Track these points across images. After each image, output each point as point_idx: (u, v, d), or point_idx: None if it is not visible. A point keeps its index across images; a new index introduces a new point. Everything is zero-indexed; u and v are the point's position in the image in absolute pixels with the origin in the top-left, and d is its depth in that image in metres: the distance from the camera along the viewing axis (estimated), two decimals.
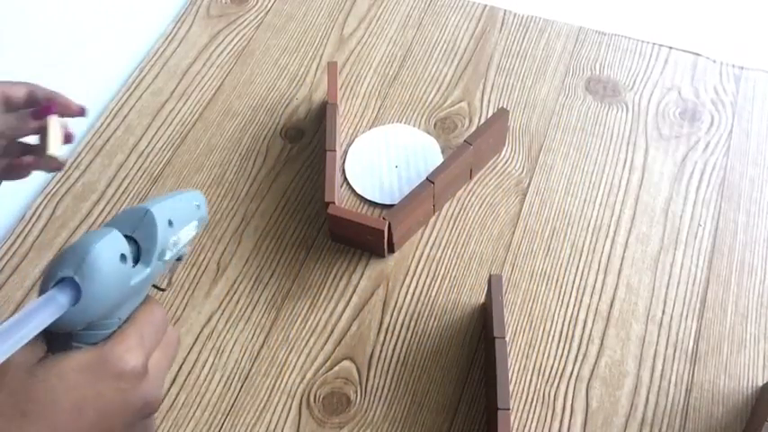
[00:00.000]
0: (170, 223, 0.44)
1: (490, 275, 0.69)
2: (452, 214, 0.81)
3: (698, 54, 0.92)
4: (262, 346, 0.72)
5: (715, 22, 0.98)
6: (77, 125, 0.88)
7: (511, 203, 0.81)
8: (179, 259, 0.46)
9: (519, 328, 0.73)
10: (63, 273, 0.39)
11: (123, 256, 0.41)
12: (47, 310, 0.38)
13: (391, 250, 0.78)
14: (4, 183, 0.75)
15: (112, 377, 0.40)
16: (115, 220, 0.43)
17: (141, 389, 0.41)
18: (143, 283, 0.42)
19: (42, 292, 0.39)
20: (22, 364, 0.39)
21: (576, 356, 0.71)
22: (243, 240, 0.79)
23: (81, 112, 0.63)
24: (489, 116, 0.81)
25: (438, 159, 0.84)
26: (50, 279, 0.39)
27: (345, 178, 0.83)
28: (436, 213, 0.81)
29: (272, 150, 0.86)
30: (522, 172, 0.83)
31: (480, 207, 0.81)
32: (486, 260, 0.77)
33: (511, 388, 0.69)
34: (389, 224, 0.73)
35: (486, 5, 0.98)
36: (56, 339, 0.40)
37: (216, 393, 0.70)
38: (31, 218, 0.81)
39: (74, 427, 0.39)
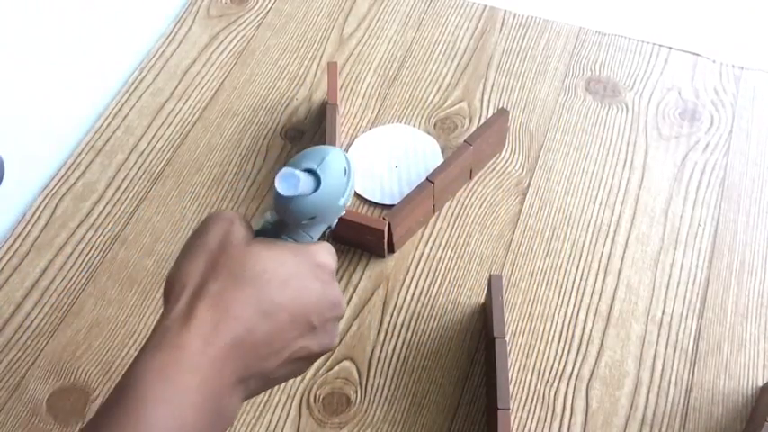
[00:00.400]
0: (351, 174, 0.50)
1: (490, 275, 0.69)
2: (452, 214, 0.81)
3: (698, 54, 0.92)
4: None
5: (715, 22, 0.98)
6: (77, 126, 0.89)
7: (511, 203, 0.81)
8: (329, 228, 0.52)
9: (519, 328, 0.73)
10: (308, 165, 0.47)
11: (345, 170, 0.49)
12: (307, 182, 0.45)
13: (391, 250, 0.78)
14: (4, 182, 0.75)
15: (314, 265, 0.46)
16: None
17: (334, 286, 0.47)
18: (336, 210, 0.50)
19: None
20: (242, 238, 0.45)
21: (576, 356, 0.71)
22: None
23: None
24: (489, 116, 0.81)
25: (438, 159, 0.84)
26: (295, 169, 0.46)
27: None
28: (436, 213, 0.81)
29: (272, 150, 0.86)
30: (522, 172, 0.83)
31: (480, 207, 0.81)
32: (486, 260, 0.77)
33: (511, 388, 0.69)
34: (389, 224, 0.73)
35: (486, 5, 0.98)
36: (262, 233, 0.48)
37: None
38: (31, 218, 0.81)
39: (276, 298, 0.43)
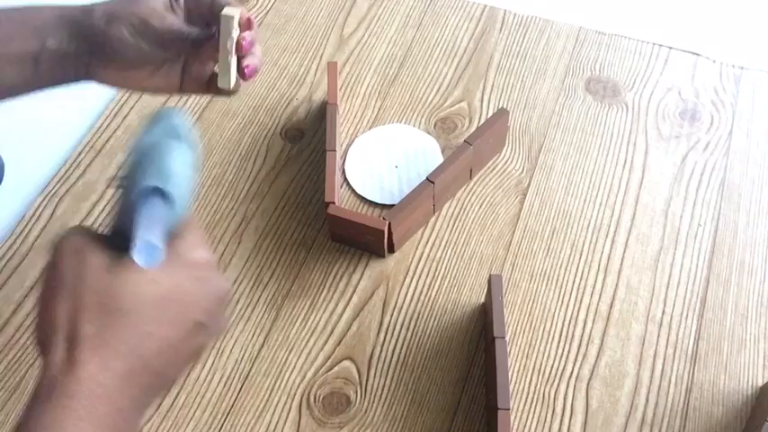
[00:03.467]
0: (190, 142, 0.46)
1: (490, 275, 0.69)
2: (452, 214, 0.81)
3: (698, 54, 0.92)
4: (262, 346, 0.72)
5: (715, 22, 0.98)
6: (77, 126, 0.88)
7: (511, 203, 0.81)
8: None
9: (519, 328, 0.73)
10: (152, 181, 0.40)
11: (192, 162, 0.43)
12: (158, 217, 0.40)
13: (391, 250, 0.78)
14: (4, 182, 0.75)
15: (188, 267, 0.42)
16: (155, 125, 0.45)
17: (213, 277, 0.44)
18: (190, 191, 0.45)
19: (126, 198, 0.41)
20: (98, 265, 0.40)
21: (576, 356, 0.71)
22: (243, 240, 0.79)
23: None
24: (489, 116, 0.81)
25: (438, 159, 0.84)
26: (136, 190, 0.41)
27: (345, 178, 0.83)
28: (436, 213, 0.81)
29: (272, 150, 0.86)
30: (522, 172, 0.83)
31: (480, 207, 0.81)
32: (486, 260, 0.77)
33: (511, 388, 0.69)
34: (389, 224, 0.73)
35: (486, 5, 0.98)
36: (115, 243, 0.42)
37: (216, 393, 0.70)
38: (31, 218, 0.81)
39: (158, 319, 0.40)
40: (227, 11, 0.57)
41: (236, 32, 0.57)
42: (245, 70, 0.59)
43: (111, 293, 0.39)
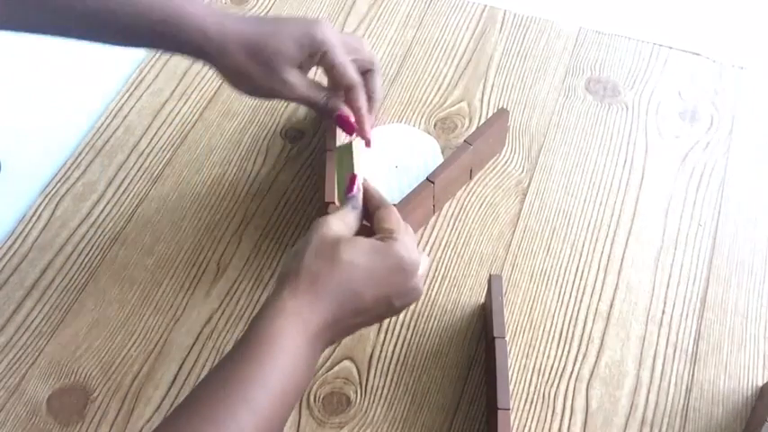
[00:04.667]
0: None
1: (490, 275, 0.69)
2: (452, 214, 0.81)
3: (698, 54, 0.92)
4: None
5: (715, 22, 0.98)
6: (77, 126, 0.88)
7: (511, 203, 0.81)
8: None
9: (519, 328, 0.73)
10: None
11: None
12: None
13: None
14: (4, 183, 0.75)
15: (395, 263, 0.56)
16: None
17: (415, 279, 0.57)
18: None
19: None
20: (331, 234, 0.56)
21: (576, 356, 0.71)
22: (243, 240, 0.79)
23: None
24: (489, 116, 0.81)
25: (438, 159, 0.84)
26: None
27: None
28: (436, 213, 0.81)
29: (272, 150, 0.86)
30: (522, 172, 0.83)
31: (480, 207, 0.81)
32: (486, 260, 0.77)
33: (511, 388, 0.69)
34: None
35: (486, 5, 0.98)
36: None
37: None
38: (31, 218, 0.81)
39: (359, 285, 0.54)
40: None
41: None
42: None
43: (334, 252, 0.54)
